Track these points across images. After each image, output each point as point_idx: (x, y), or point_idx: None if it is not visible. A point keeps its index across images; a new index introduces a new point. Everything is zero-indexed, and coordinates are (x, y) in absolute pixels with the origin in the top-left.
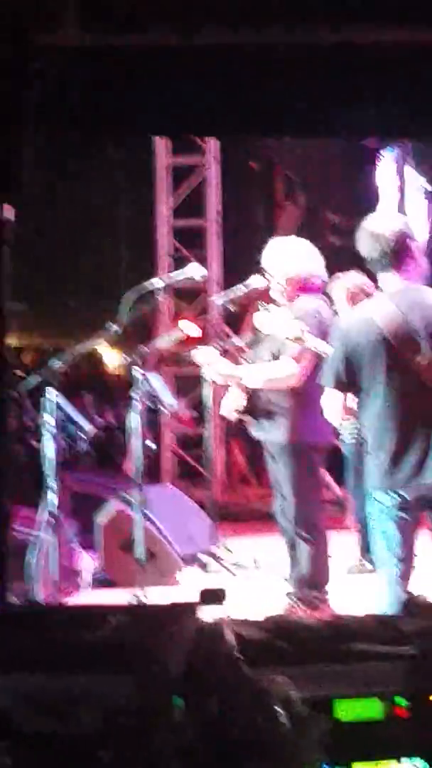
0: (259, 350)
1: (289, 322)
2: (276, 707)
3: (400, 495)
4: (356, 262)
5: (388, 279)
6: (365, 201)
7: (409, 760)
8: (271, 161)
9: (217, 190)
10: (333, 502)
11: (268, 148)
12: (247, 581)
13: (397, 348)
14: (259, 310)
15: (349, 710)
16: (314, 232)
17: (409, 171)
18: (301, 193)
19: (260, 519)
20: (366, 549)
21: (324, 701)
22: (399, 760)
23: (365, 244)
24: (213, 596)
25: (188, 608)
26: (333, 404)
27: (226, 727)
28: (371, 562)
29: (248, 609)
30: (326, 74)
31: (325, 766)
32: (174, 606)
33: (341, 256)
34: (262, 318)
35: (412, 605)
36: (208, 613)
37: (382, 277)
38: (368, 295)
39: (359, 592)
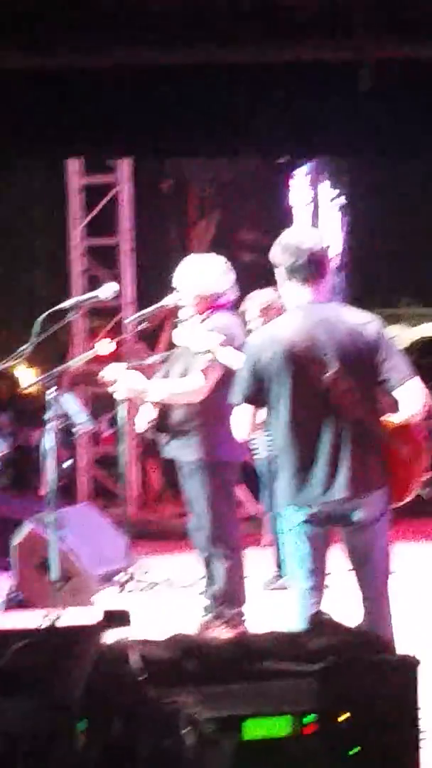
0: (173, 367)
1: (203, 335)
2: (182, 728)
3: (309, 511)
4: (270, 279)
5: (299, 293)
6: (278, 217)
7: None
8: (184, 180)
9: (130, 209)
10: (249, 519)
11: (180, 167)
12: (163, 599)
13: (304, 365)
14: (173, 327)
15: (258, 729)
16: (227, 249)
17: (324, 186)
18: (214, 211)
19: (176, 537)
20: (281, 565)
21: (232, 720)
22: None
23: (279, 257)
24: (117, 617)
25: (92, 630)
26: (241, 420)
27: (131, 749)
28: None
29: (163, 627)
30: (236, 94)
31: None
32: (78, 628)
33: (254, 273)
34: (178, 331)
35: (318, 622)
36: (112, 635)
37: (292, 290)
38: (280, 312)
39: (276, 608)
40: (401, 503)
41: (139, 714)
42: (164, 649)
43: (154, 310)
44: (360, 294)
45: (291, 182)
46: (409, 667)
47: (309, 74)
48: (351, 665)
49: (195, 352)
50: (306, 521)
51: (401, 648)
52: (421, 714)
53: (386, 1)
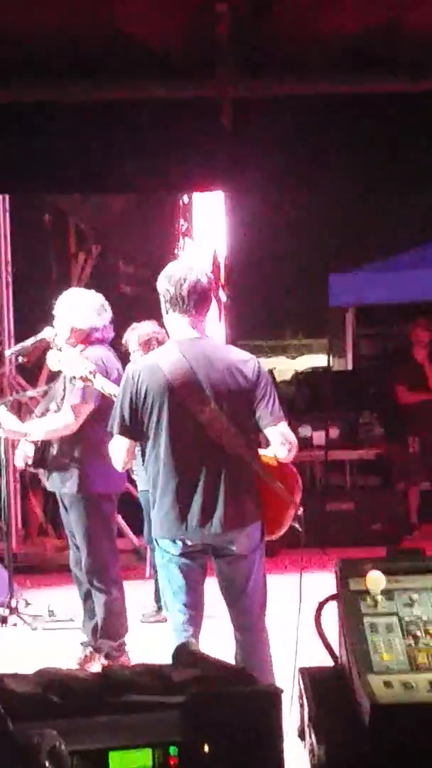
0: (52, 402)
1: (79, 361)
2: (44, 762)
3: (184, 543)
4: (150, 312)
5: (179, 324)
6: (159, 250)
7: None
8: (62, 213)
9: (6, 241)
10: (133, 551)
11: (59, 201)
12: (45, 633)
13: (181, 397)
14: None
15: (123, 762)
16: (107, 283)
17: (208, 216)
18: (94, 244)
19: (57, 570)
20: (160, 598)
21: (98, 753)
22: None
23: (161, 287)
24: None
25: None
26: (117, 452)
27: None
28: None
29: (43, 661)
30: (110, 130)
31: None
32: None
33: (135, 307)
34: (52, 356)
35: (181, 654)
36: None
37: (173, 322)
38: (161, 343)
39: (156, 640)
40: (275, 537)
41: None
42: (29, 682)
43: (33, 344)
44: (245, 324)
45: (174, 214)
46: (272, 697)
47: (174, 112)
48: (214, 697)
49: (69, 376)
50: (180, 554)
51: (282, 679)
52: (286, 744)
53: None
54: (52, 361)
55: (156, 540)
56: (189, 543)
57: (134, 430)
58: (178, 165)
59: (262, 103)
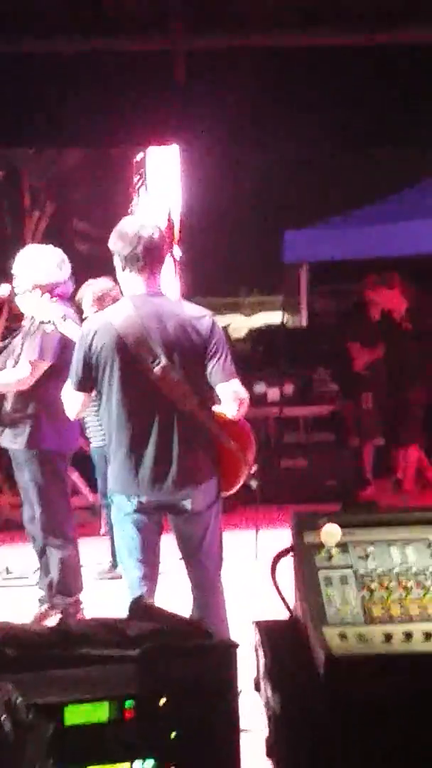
0: (9, 358)
1: (50, 305)
2: (0, 715)
3: (138, 499)
4: (105, 269)
5: (133, 282)
6: (111, 207)
7: (141, 762)
8: (16, 169)
9: None
10: (87, 508)
11: (13, 158)
12: (1, 590)
13: (133, 354)
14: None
15: (79, 715)
16: (62, 239)
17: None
18: (48, 201)
19: (13, 528)
20: (114, 554)
21: (53, 707)
22: (131, 763)
23: (114, 244)
24: None
25: None
26: (72, 403)
27: None
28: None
29: (0, 617)
30: (53, 84)
31: None
32: None
33: (90, 263)
34: (22, 300)
35: (137, 608)
36: None
37: (127, 279)
38: (116, 300)
39: (111, 597)
40: (230, 493)
41: None
42: None
43: None
44: (200, 282)
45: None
46: (228, 650)
47: (126, 65)
48: (170, 650)
49: (38, 320)
50: (135, 510)
51: (237, 632)
52: (240, 697)
53: None
54: (21, 303)
55: (111, 496)
56: (142, 500)
57: (86, 385)
58: (132, 119)
59: (215, 56)
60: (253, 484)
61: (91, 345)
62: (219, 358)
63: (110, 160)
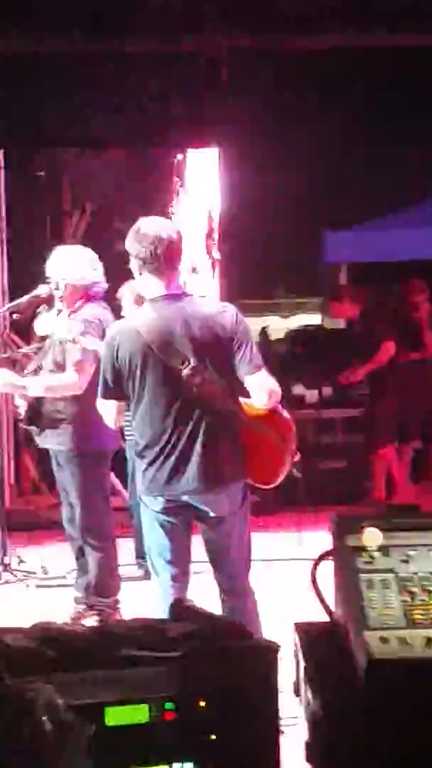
0: (45, 358)
1: (66, 324)
2: (40, 716)
3: (165, 499)
4: None
5: (152, 284)
6: (152, 208)
7: (181, 764)
8: (57, 169)
9: (1, 199)
10: (123, 509)
11: (53, 156)
12: (38, 590)
13: (160, 357)
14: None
15: (119, 716)
16: (101, 239)
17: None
18: (88, 201)
19: (50, 527)
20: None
21: (94, 708)
22: (170, 764)
23: (131, 246)
24: None
25: None
26: (107, 412)
27: None
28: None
29: (35, 618)
30: (106, 84)
31: None
32: None
33: (128, 263)
34: (40, 321)
35: (177, 609)
36: None
37: (146, 281)
38: None
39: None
40: (274, 484)
41: None
42: (26, 637)
43: (27, 301)
44: (237, 283)
45: (168, 171)
46: (269, 652)
47: (165, 66)
48: (210, 652)
49: (58, 340)
50: (163, 511)
51: (276, 637)
52: (281, 699)
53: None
54: (39, 326)
55: (141, 497)
56: (169, 499)
57: (119, 392)
58: (173, 120)
59: (256, 57)
60: (297, 473)
61: (117, 353)
62: (245, 350)
63: (150, 162)
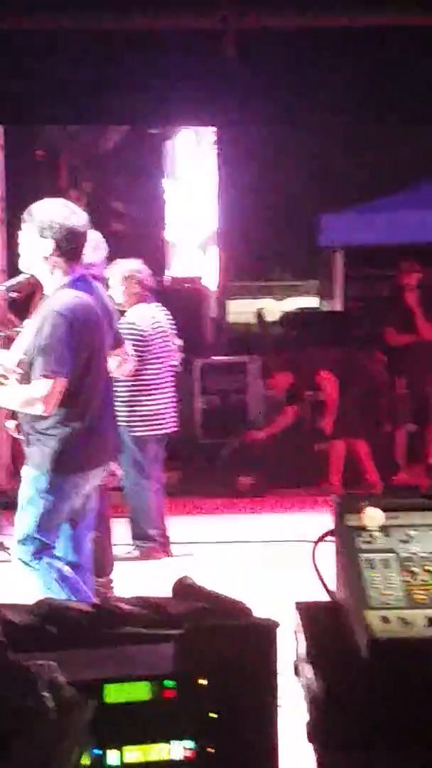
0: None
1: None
2: (43, 692)
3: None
4: (137, 249)
5: (67, 267)
6: (145, 188)
7: (180, 742)
8: (55, 148)
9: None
10: (118, 489)
11: (52, 135)
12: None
13: (99, 338)
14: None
15: (119, 693)
16: (98, 219)
17: (199, 155)
18: (86, 181)
19: None
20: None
21: (93, 685)
22: (169, 742)
23: (45, 231)
24: None
25: None
26: (58, 394)
27: None
28: None
29: (34, 596)
30: (102, 61)
31: (95, 750)
32: None
33: (123, 243)
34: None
35: (179, 587)
36: None
37: (59, 264)
38: (141, 281)
39: (142, 577)
40: None
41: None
42: (27, 613)
43: (24, 279)
44: (234, 266)
45: (164, 152)
46: (268, 630)
47: (173, 42)
48: (210, 629)
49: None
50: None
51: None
52: (280, 678)
53: None
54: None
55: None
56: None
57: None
58: (178, 98)
59: (260, 36)
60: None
61: (76, 333)
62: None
63: (145, 142)
